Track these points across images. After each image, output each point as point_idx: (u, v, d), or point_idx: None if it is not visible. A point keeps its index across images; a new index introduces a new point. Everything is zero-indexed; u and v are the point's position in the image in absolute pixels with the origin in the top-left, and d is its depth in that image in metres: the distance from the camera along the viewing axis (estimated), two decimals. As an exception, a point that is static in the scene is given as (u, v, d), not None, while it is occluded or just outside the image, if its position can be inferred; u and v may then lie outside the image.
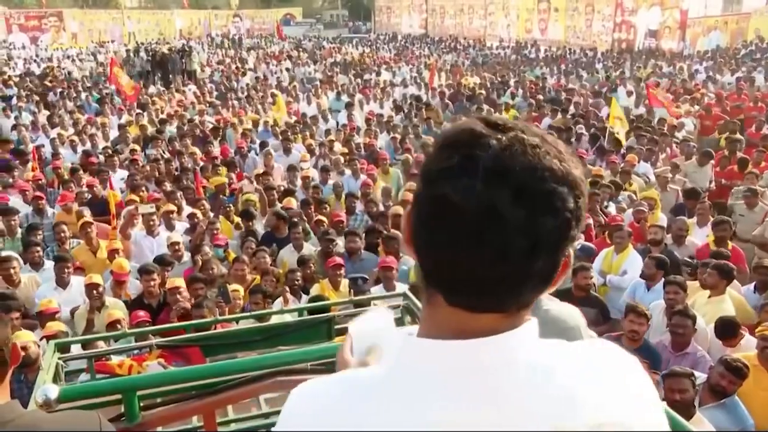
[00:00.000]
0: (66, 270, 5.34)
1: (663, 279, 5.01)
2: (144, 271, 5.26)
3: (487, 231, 0.68)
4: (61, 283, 5.32)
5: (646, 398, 0.79)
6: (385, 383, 0.77)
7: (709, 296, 4.87)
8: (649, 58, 21.28)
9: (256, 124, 12.02)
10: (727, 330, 4.29)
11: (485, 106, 13.05)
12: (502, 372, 0.73)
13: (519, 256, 0.69)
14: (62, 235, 6.19)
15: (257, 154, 10.02)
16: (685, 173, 8.27)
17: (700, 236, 6.30)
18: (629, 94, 14.36)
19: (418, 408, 0.73)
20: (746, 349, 4.21)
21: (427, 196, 0.72)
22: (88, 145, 10.33)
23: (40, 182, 8.18)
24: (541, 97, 14.16)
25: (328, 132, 11.24)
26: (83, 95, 15.95)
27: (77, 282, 5.36)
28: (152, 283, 5.19)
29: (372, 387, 0.78)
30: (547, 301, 1.84)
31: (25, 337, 3.96)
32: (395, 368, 0.77)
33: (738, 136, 9.70)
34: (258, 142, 10.63)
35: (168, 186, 7.78)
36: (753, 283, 5.44)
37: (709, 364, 4.20)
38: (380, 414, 0.75)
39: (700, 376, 3.71)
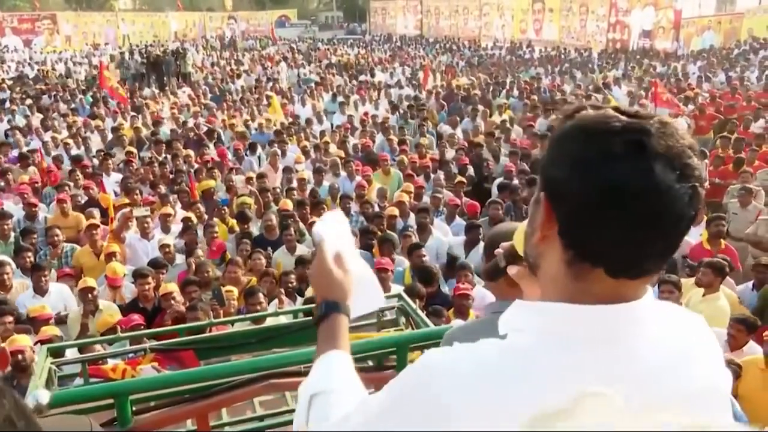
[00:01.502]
0: (43, 278, 5.28)
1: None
2: (138, 275, 5.24)
3: (665, 209, 0.76)
4: (40, 291, 5.26)
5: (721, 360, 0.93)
6: (554, 347, 0.81)
7: (704, 294, 4.88)
8: (643, 58, 21.32)
9: (248, 126, 12.01)
10: (750, 326, 4.26)
11: (480, 107, 13.06)
12: (654, 326, 0.84)
13: (685, 228, 0.80)
14: (55, 239, 6.15)
15: (247, 155, 10.02)
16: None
17: (693, 235, 6.31)
18: (629, 94, 14.38)
19: (602, 361, 0.80)
20: (749, 353, 4.19)
21: (593, 183, 0.77)
22: (82, 149, 10.31)
23: (36, 185, 8.15)
24: (536, 97, 14.18)
25: (323, 133, 11.24)
26: (77, 98, 15.90)
27: (56, 289, 5.34)
28: (147, 287, 5.16)
29: (536, 351, 0.82)
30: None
31: (22, 342, 3.95)
32: (561, 333, 0.82)
33: (729, 135, 9.75)
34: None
35: (162, 189, 7.76)
36: (751, 281, 5.46)
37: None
38: (563, 371, 0.79)
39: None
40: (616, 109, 0.82)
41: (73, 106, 14.82)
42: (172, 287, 5.00)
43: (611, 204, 0.77)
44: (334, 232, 1.23)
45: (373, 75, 19.32)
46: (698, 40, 23.74)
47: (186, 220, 6.70)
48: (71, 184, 8.11)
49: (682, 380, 0.84)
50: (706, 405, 0.86)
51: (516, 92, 15.22)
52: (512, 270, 1.22)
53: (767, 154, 8.79)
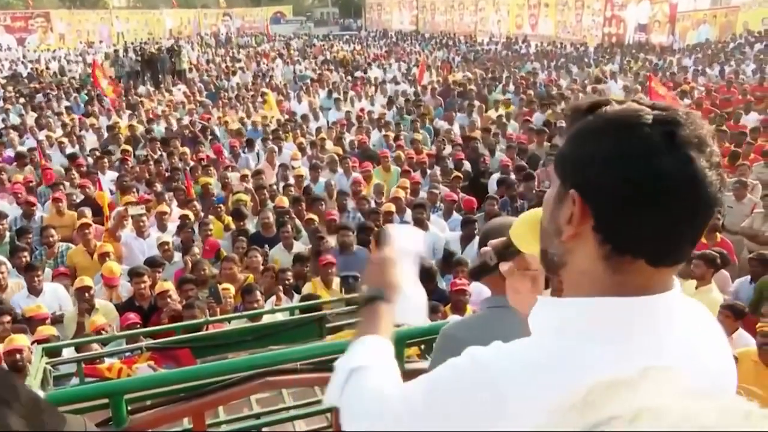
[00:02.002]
0: (36, 278, 5.24)
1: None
2: (134, 274, 5.22)
3: (703, 196, 0.79)
4: (34, 291, 5.23)
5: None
6: (604, 342, 0.81)
7: (696, 287, 4.91)
8: (639, 53, 21.32)
9: (243, 123, 11.98)
10: (738, 313, 4.30)
11: (476, 102, 13.05)
12: (684, 315, 0.87)
13: (714, 213, 0.84)
14: (50, 239, 6.12)
15: (245, 152, 10.00)
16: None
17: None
18: (625, 89, 14.39)
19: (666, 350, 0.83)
20: (738, 342, 4.22)
21: (634, 176, 0.78)
22: (77, 148, 10.27)
23: (30, 184, 8.12)
24: (532, 92, 14.17)
25: (318, 130, 11.21)
26: (72, 96, 15.84)
27: (51, 289, 5.30)
28: (143, 285, 5.14)
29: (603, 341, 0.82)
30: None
31: (20, 341, 3.93)
32: (607, 328, 0.82)
33: (724, 128, 9.76)
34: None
35: (159, 187, 7.74)
36: (748, 275, 5.47)
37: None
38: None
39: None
40: (638, 102, 0.84)
41: (67, 104, 14.76)
42: (168, 285, 4.99)
43: (653, 195, 0.78)
44: (405, 242, 1.27)
45: (365, 71, 19.28)
46: (694, 33, 23.75)
47: (183, 218, 6.68)
48: (66, 183, 8.08)
49: (712, 367, 0.87)
50: (729, 392, 0.90)
51: (512, 87, 15.20)
52: (504, 267, 1.20)
53: (763, 147, 8.79)
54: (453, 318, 2.23)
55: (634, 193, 0.79)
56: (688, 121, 0.80)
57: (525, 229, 1.08)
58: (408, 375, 2.41)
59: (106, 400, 2.07)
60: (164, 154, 9.58)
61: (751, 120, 10.97)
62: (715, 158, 0.80)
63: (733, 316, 4.27)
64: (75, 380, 2.97)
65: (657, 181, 0.78)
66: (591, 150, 0.83)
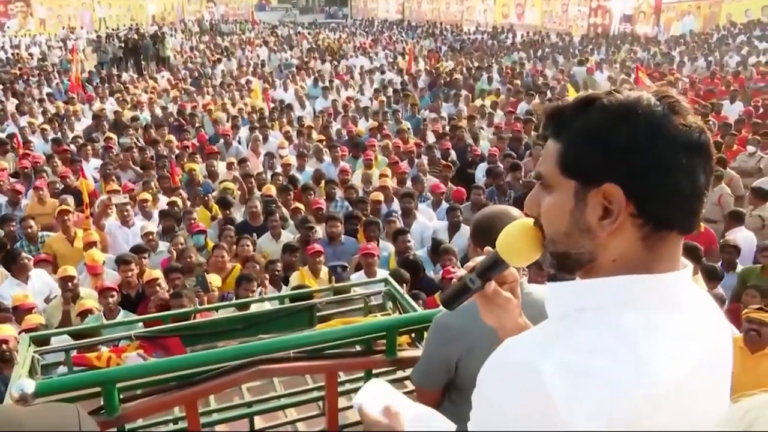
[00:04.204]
0: (22, 266, 5.17)
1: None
2: (121, 262, 5.18)
3: (712, 158, 0.88)
4: (21, 279, 5.18)
5: None
6: (666, 318, 0.85)
7: None
8: (624, 43, 21.42)
9: (225, 111, 11.86)
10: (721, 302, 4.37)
11: (463, 92, 13.05)
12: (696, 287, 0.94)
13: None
14: (29, 230, 6.02)
15: (240, 142, 9.93)
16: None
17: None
18: (609, 79, 14.47)
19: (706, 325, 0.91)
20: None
21: (669, 149, 0.84)
22: (59, 134, 10.12)
23: (26, 170, 8.00)
24: (518, 82, 14.19)
25: (300, 119, 11.14)
26: (54, 82, 15.58)
27: (37, 274, 5.25)
28: (130, 273, 5.11)
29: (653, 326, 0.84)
30: (528, 284, 1.85)
31: (6, 331, 3.89)
32: (647, 304, 0.86)
33: (710, 119, 9.85)
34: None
35: (144, 174, 7.67)
36: (720, 262, 5.55)
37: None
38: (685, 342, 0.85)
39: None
40: (617, 91, 0.90)
41: (49, 90, 14.53)
42: (157, 274, 4.95)
43: (684, 167, 0.84)
44: (375, 395, 1.26)
45: (340, 59, 19.22)
46: (678, 24, 23.87)
47: (171, 205, 6.64)
48: (49, 170, 7.97)
49: (723, 338, 0.95)
50: (724, 375, 0.96)
51: (498, 77, 15.22)
52: (491, 287, 1.13)
53: (746, 139, 8.90)
54: (445, 306, 2.23)
55: (670, 168, 0.84)
56: (676, 96, 0.88)
57: (517, 243, 1.03)
58: (400, 363, 2.43)
59: (96, 389, 2.05)
60: (143, 141, 9.48)
61: (734, 110, 11.10)
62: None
63: (719, 303, 4.32)
64: (63, 369, 2.95)
65: (686, 152, 0.84)
66: (616, 141, 0.85)
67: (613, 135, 0.85)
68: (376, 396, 1.26)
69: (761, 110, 10.89)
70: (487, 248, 1.12)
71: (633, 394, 0.78)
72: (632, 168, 0.84)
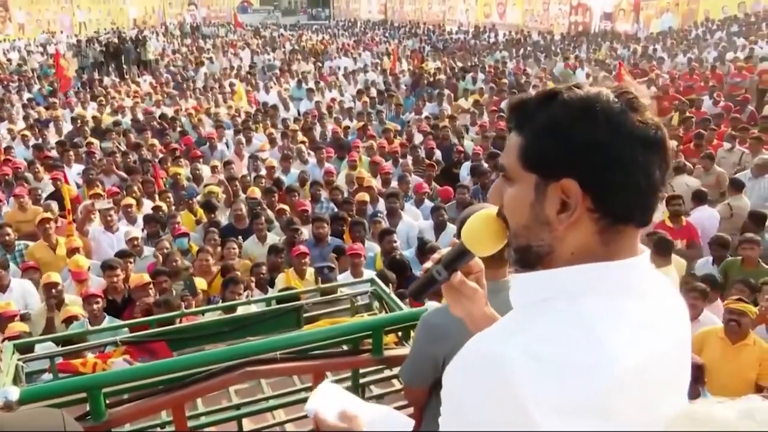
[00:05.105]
0: (1, 275, 5.14)
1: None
2: (107, 267, 5.14)
3: (668, 153, 0.89)
4: (0, 288, 5.12)
5: None
6: (624, 303, 0.87)
7: (657, 267, 5.08)
8: (605, 41, 21.61)
9: (208, 114, 11.81)
10: (703, 293, 4.45)
11: (447, 91, 13.09)
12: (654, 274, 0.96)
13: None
14: (7, 238, 5.92)
15: (228, 145, 9.89)
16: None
17: (657, 213, 6.48)
18: (588, 76, 14.61)
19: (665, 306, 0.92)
20: (704, 322, 4.36)
21: (627, 145, 0.85)
22: (40, 140, 10.01)
23: (7, 177, 7.89)
24: (506, 81, 14.25)
25: (284, 121, 11.11)
26: (35, 88, 15.40)
27: (18, 284, 5.19)
28: (116, 278, 5.07)
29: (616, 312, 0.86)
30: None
31: (-14, 338, 3.84)
32: (602, 291, 0.87)
33: (689, 114, 10.00)
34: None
35: (129, 179, 7.62)
36: (710, 257, 5.66)
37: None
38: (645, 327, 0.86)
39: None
40: (578, 86, 0.90)
41: (30, 96, 14.36)
42: (147, 278, 4.92)
43: (641, 163, 0.85)
44: (329, 400, 1.25)
45: (323, 60, 19.22)
46: (657, 22, 24.14)
47: (156, 210, 6.60)
48: (30, 176, 7.88)
49: (677, 331, 0.94)
50: (685, 359, 0.96)
51: (481, 76, 15.29)
52: (457, 278, 1.14)
53: (725, 133, 9.02)
54: (431, 305, 2.25)
55: (627, 165, 0.85)
56: (634, 93, 0.88)
57: (482, 233, 1.04)
58: (387, 361, 2.43)
59: (83, 395, 2.04)
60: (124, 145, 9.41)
61: (712, 105, 11.25)
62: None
63: (701, 297, 4.40)
64: (47, 376, 2.92)
65: (643, 149, 0.85)
66: (576, 137, 0.85)
67: (573, 131, 0.86)
68: (329, 400, 1.25)
69: (731, 106, 11.04)
70: (454, 239, 1.14)
71: (595, 379, 0.79)
72: (590, 164, 0.85)
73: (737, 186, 6.75)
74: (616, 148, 0.84)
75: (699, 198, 6.56)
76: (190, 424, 2.34)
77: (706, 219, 6.38)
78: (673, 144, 7.11)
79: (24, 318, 4.79)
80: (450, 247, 1.14)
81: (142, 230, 6.40)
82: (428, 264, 1.17)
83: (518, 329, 0.86)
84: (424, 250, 5.50)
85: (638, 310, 0.87)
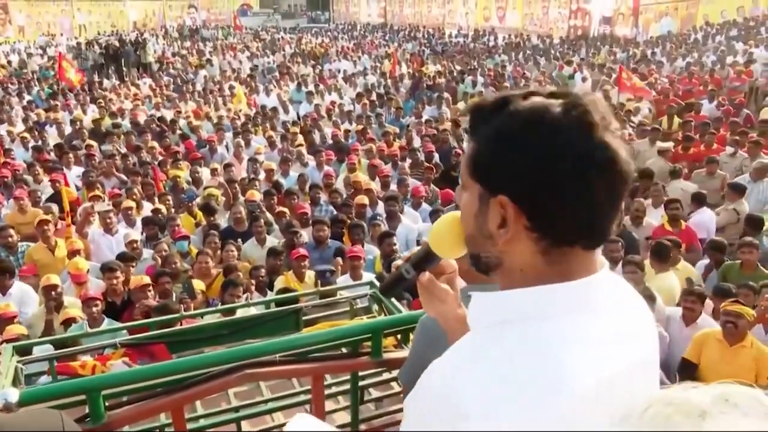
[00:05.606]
0: (3, 277, 5.14)
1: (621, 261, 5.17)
2: (107, 269, 5.14)
3: (621, 172, 0.82)
4: (1, 289, 5.12)
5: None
6: (568, 324, 0.82)
7: (657, 272, 5.11)
8: (604, 45, 21.66)
9: (208, 118, 11.83)
10: (701, 296, 4.48)
11: (446, 94, 13.11)
12: (616, 291, 0.90)
13: (630, 185, 0.85)
14: (9, 240, 5.93)
15: (227, 148, 9.91)
16: (636, 152, 8.50)
17: (655, 217, 6.51)
18: (584, 80, 14.65)
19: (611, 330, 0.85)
20: (702, 325, 4.37)
21: (562, 169, 0.79)
22: (39, 142, 10.02)
23: (6, 180, 7.90)
24: (507, 84, 14.28)
25: (284, 124, 11.14)
26: (34, 90, 15.42)
27: (18, 288, 5.19)
28: (115, 281, 5.07)
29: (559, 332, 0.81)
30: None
31: (-15, 341, 3.83)
32: (554, 313, 0.83)
33: (688, 118, 10.03)
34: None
35: (129, 182, 7.63)
36: (707, 260, 5.67)
37: (667, 341, 4.35)
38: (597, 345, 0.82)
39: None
40: (535, 92, 0.85)
41: (29, 98, 14.38)
42: (147, 280, 4.92)
43: (583, 186, 0.80)
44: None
45: (323, 63, 19.22)
46: (656, 26, 24.20)
47: (155, 212, 6.61)
48: (30, 178, 7.89)
49: (643, 344, 0.90)
50: (654, 370, 0.93)
51: (481, 80, 15.31)
52: (424, 278, 1.12)
53: (724, 137, 9.05)
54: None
55: (565, 187, 0.80)
56: (592, 105, 0.82)
57: (445, 236, 1.02)
58: (386, 364, 2.44)
59: (82, 397, 2.04)
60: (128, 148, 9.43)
61: (711, 109, 11.28)
62: (617, 132, 0.83)
63: (699, 301, 4.41)
64: (46, 378, 2.92)
65: (584, 172, 0.79)
66: (514, 153, 0.82)
67: (511, 145, 0.82)
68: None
69: (731, 109, 11.06)
70: (424, 239, 1.13)
71: (554, 405, 0.76)
72: (526, 183, 0.81)
73: (740, 190, 6.75)
74: (552, 169, 0.79)
75: (698, 200, 6.59)
76: (189, 426, 2.34)
77: (707, 221, 6.45)
78: (669, 146, 7.10)
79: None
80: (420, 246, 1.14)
81: (141, 233, 6.40)
82: (398, 261, 1.16)
83: (474, 356, 0.82)
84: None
85: (598, 328, 0.83)
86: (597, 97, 0.85)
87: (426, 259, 1.11)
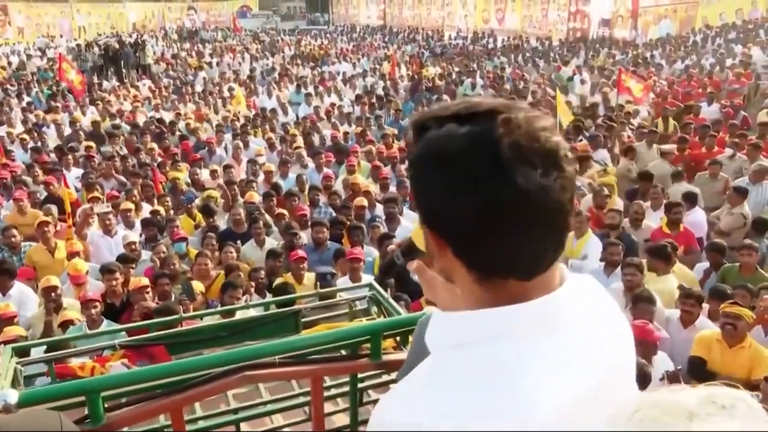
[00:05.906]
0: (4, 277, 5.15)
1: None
2: (106, 271, 5.14)
3: (544, 205, 0.75)
4: (2, 290, 5.13)
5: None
6: (502, 350, 0.78)
7: (656, 275, 5.13)
8: (603, 47, 21.70)
9: (208, 121, 11.84)
10: (699, 298, 4.49)
11: (445, 96, 13.13)
12: (582, 306, 0.85)
13: (570, 211, 0.80)
14: (12, 240, 5.95)
15: (227, 149, 9.92)
16: (636, 154, 8.52)
17: (654, 219, 6.51)
18: (583, 82, 14.68)
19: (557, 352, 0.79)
20: (701, 327, 4.38)
21: (469, 206, 0.74)
22: (39, 144, 10.02)
23: (5, 181, 7.90)
24: (508, 86, 14.30)
25: (284, 126, 11.15)
26: (33, 91, 15.42)
27: (18, 289, 5.19)
28: (114, 282, 5.07)
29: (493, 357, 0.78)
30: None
31: (-16, 340, 3.83)
32: (502, 337, 0.79)
33: (688, 121, 10.05)
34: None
35: (128, 183, 7.63)
36: (707, 263, 5.68)
37: (667, 343, 4.35)
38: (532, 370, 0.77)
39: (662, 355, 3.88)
40: (457, 115, 0.78)
41: (29, 99, 14.38)
42: (145, 281, 4.92)
43: (499, 220, 0.74)
44: None
45: (322, 65, 19.21)
46: (655, 28, 24.24)
47: (154, 214, 6.61)
48: (29, 180, 7.89)
49: (617, 348, 0.88)
50: (628, 378, 0.90)
51: (480, 82, 15.34)
52: (411, 266, 1.15)
53: (724, 140, 9.06)
54: (429, 309, 2.26)
55: (472, 225, 0.75)
56: (508, 129, 0.74)
57: (420, 234, 1.02)
58: (385, 366, 2.44)
59: (80, 398, 2.04)
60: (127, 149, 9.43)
61: (710, 111, 11.29)
62: (552, 159, 0.75)
63: (696, 303, 4.42)
64: (45, 380, 2.92)
65: (491, 210, 0.74)
66: (425, 186, 0.79)
67: (423, 179, 0.78)
68: None
69: (732, 112, 11.09)
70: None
71: (515, 429, 0.72)
72: (437, 219, 0.78)
73: (743, 194, 6.75)
74: (457, 206, 0.75)
75: (690, 200, 6.58)
76: (189, 427, 2.34)
77: (701, 221, 6.49)
78: (671, 148, 7.11)
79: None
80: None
81: (140, 235, 6.40)
82: (392, 246, 1.19)
83: (429, 383, 0.80)
84: (422, 254, 5.50)
85: (559, 347, 0.79)
86: (530, 116, 0.77)
87: (411, 249, 1.15)
